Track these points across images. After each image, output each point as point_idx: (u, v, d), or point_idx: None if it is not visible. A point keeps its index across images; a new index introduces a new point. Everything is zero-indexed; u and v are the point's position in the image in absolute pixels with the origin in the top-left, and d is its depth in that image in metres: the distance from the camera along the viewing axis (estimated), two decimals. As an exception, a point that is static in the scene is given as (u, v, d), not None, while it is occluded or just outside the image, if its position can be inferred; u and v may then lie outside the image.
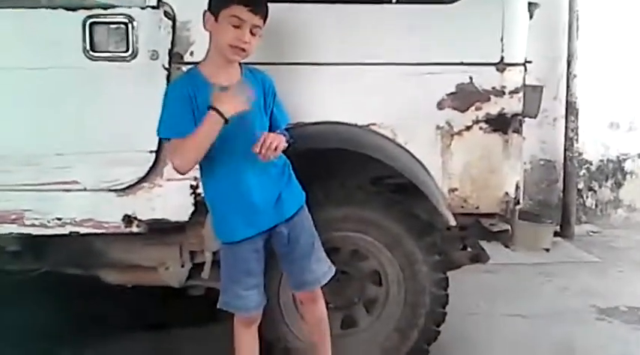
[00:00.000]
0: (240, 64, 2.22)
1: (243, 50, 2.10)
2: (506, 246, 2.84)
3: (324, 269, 2.38)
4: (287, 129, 2.31)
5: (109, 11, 2.43)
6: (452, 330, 2.83)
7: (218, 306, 2.29)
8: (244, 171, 2.18)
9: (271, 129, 2.24)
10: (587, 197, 5.61)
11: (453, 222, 2.57)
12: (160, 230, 2.59)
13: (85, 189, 2.51)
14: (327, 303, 2.64)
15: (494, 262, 3.15)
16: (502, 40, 2.54)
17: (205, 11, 2.14)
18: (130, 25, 2.43)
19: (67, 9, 2.42)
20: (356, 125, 2.57)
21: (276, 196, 2.24)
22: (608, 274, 4.29)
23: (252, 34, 2.10)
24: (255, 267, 2.27)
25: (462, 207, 2.66)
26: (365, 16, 2.54)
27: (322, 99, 2.54)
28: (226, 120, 2.03)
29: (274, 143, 2.09)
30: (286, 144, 2.18)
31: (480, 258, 2.91)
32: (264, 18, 2.14)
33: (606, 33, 5.16)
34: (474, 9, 2.53)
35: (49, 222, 2.53)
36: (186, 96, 2.11)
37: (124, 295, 3.05)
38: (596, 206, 5.66)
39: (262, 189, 2.21)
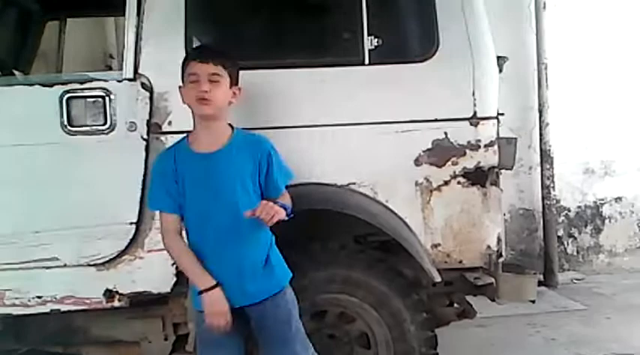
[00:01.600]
0: (232, 127, 2.22)
1: (206, 99, 2.10)
2: (492, 300, 2.82)
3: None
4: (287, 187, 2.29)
5: (86, 85, 2.46)
6: (444, 389, 2.78)
7: None
8: (225, 242, 2.14)
9: (270, 192, 2.21)
10: (567, 244, 5.64)
11: (438, 278, 2.55)
12: (141, 303, 2.55)
13: (65, 266, 2.47)
14: (316, 368, 2.61)
15: (482, 316, 3.14)
16: (474, 94, 2.59)
17: (180, 87, 2.19)
18: (107, 98, 2.45)
19: (44, 85, 2.44)
20: (336, 185, 2.58)
21: (247, 277, 2.17)
22: (595, 321, 4.27)
23: (211, 83, 2.11)
24: (226, 341, 2.19)
25: (446, 262, 2.65)
26: (339, 78, 2.59)
27: (301, 162, 2.55)
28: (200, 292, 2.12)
29: (271, 213, 2.07)
30: (285, 218, 2.15)
31: (467, 313, 2.90)
32: (223, 65, 2.14)
33: (575, 81, 5.30)
34: (445, 66, 2.59)
35: (29, 300, 2.48)
36: (168, 171, 2.14)
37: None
38: (578, 252, 5.67)
39: (244, 265, 2.16)
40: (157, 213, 2.41)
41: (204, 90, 2.10)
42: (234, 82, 2.18)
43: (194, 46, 2.50)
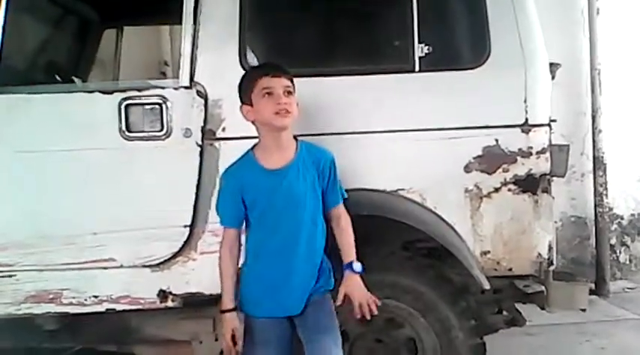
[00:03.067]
0: (297, 140, 2.27)
1: (287, 111, 2.16)
2: (542, 308, 2.79)
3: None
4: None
5: (143, 93, 2.54)
6: (493, 397, 2.76)
7: None
8: (287, 252, 2.20)
9: (329, 203, 2.30)
10: (620, 252, 5.51)
11: (486, 286, 2.53)
12: (194, 303, 2.61)
13: (121, 266, 2.55)
14: (363, 374, 2.63)
15: (531, 324, 3.10)
16: (526, 101, 2.57)
17: (241, 106, 2.23)
18: (164, 105, 2.52)
19: (103, 92, 2.53)
20: (385, 191, 2.60)
21: (311, 285, 2.24)
22: (647, 331, 4.18)
23: (287, 95, 2.17)
24: (275, 345, 2.23)
25: (495, 269, 2.64)
26: (390, 85, 2.60)
27: (351, 168, 2.57)
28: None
29: (371, 307, 2.24)
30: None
31: (516, 321, 2.87)
32: (291, 79, 2.20)
33: (629, 87, 5.18)
34: (497, 73, 2.58)
35: (86, 300, 2.56)
36: (235, 187, 2.22)
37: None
38: (630, 261, 5.54)
39: (301, 275, 2.22)
40: (210, 217, 2.49)
41: (284, 101, 2.15)
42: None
43: (248, 55, 2.55)
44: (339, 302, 2.24)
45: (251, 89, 2.19)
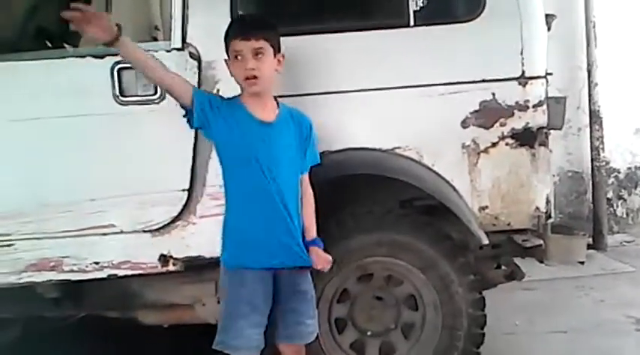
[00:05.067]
0: (276, 100, 2.27)
1: (255, 77, 2.14)
2: (541, 261, 2.82)
3: (314, 327, 2.34)
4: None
5: (135, 56, 2.50)
6: (492, 351, 2.80)
7: (213, 346, 2.22)
8: (266, 206, 2.19)
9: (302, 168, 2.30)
10: (617, 206, 5.53)
11: (485, 241, 2.55)
12: (195, 267, 2.61)
13: (121, 232, 2.55)
14: (364, 330, 2.65)
15: (530, 278, 3.14)
16: (522, 53, 2.55)
17: (225, 60, 2.23)
18: (156, 68, 2.49)
19: (95, 57, 2.50)
20: (380, 149, 2.59)
21: (288, 243, 2.22)
22: (645, 283, 4.22)
23: (256, 58, 2.14)
24: (260, 303, 2.22)
25: (494, 224, 2.65)
26: (384, 41, 2.57)
27: (345, 126, 2.57)
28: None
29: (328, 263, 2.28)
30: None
31: (515, 275, 2.89)
32: (265, 38, 2.15)
33: (624, 40, 5.14)
34: (492, 25, 2.55)
35: (87, 266, 2.56)
36: (221, 105, 2.20)
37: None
38: (627, 214, 5.57)
39: (278, 229, 2.20)
40: (208, 180, 2.48)
41: (251, 67, 2.12)
42: (277, 50, 2.20)
43: (239, 13, 2.51)
44: (318, 266, 2.26)
45: (227, 46, 2.18)
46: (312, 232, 2.30)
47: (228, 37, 2.18)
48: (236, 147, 2.19)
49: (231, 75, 2.22)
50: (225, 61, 2.23)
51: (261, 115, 2.21)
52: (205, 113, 2.18)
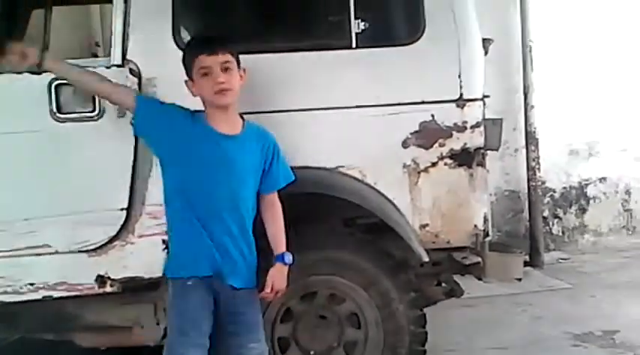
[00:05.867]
0: (242, 117, 2.26)
1: (226, 90, 2.13)
2: (479, 279, 2.87)
3: (261, 349, 2.31)
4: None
5: (74, 72, 2.45)
6: (434, 368, 2.83)
7: None
8: (215, 222, 2.18)
9: (267, 187, 2.29)
10: (553, 224, 5.70)
11: (426, 258, 2.58)
12: (133, 288, 2.56)
13: (56, 252, 2.48)
14: (307, 350, 2.64)
15: (469, 295, 3.19)
16: (460, 76, 2.61)
17: (186, 81, 2.20)
18: (95, 85, 2.44)
19: (32, 73, 2.44)
20: (325, 168, 2.60)
21: (234, 259, 2.20)
22: (581, 300, 4.33)
23: (225, 72, 2.14)
24: (202, 319, 2.19)
25: (434, 242, 2.69)
26: (326, 62, 2.60)
27: (290, 145, 2.56)
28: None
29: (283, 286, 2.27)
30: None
31: (454, 292, 2.94)
32: (230, 52, 2.17)
33: (560, 63, 5.34)
34: (431, 48, 2.61)
35: (21, 288, 2.48)
36: (179, 113, 2.18)
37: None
38: (563, 233, 5.74)
39: (226, 242, 2.19)
40: (147, 199, 2.45)
41: (221, 81, 2.12)
42: (239, 65, 2.21)
43: (181, 31, 2.50)
44: (267, 290, 2.23)
45: (191, 67, 2.16)
46: (280, 247, 2.29)
47: (191, 55, 2.16)
48: (187, 156, 2.17)
49: (194, 94, 2.20)
50: (186, 81, 2.20)
51: (224, 129, 2.19)
52: (149, 120, 2.17)
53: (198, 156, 2.17)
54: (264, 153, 2.27)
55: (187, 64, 2.18)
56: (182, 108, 2.24)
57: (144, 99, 2.21)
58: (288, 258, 2.28)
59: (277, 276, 2.25)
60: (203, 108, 2.23)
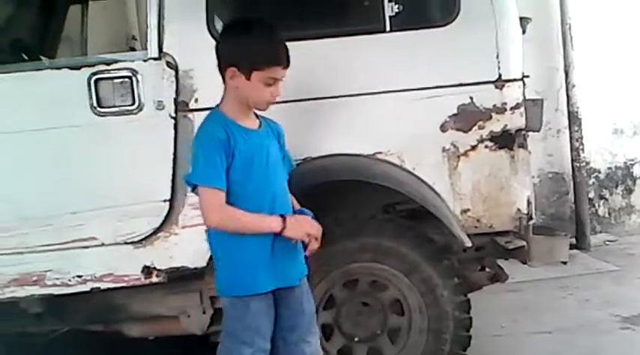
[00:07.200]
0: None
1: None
2: (524, 263, 2.83)
3: (318, 345, 2.28)
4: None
5: (112, 66, 2.49)
6: (478, 354, 2.80)
7: None
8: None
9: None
10: (599, 206, 5.58)
11: (468, 243, 2.56)
12: (179, 278, 2.60)
13: (102, 245, 2.53)
14: (350, 337, 2.64)
15: (514, 280, 3.16)
16: (498, 57, 2.57)
17: (230, 66, 2.05)
18: (134, 78, 2.48)
19: (71, 68, 2.48)
20: (362, 155, 2.59)
21: (293, 257, 2.16)
22: (628, 282, 4.25)
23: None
24: (266, 328, 2.13)
25: (476, 227, 2.66)
26: (361, 47, 2.58)
27: (327, 133, 2.57)
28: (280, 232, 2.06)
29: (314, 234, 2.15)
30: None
31: (498, 277, 2.91)
32: None
33: (601, 40, 5.19)
34: (468, 29, 2.57)
35: (70, 280, 2.54)
36: (223, 141, 2.03)
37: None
38: (609, 214, 5.61)
39: (283, 245, 2.11)
40: (189, 189, 2.45)
41: (277, 95, 2.10)
42: None
43: (216, 22, 2.51)
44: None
45: (259, 67, 2.04)
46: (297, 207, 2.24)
47: (270, 62, 2.05)
48: (247, 160, 2.08)
49: (231, 86, 2.08)
50: (230, 68, 2.05)
51: (250, 124, 2.14)
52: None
53: (246, 159, 2.08)
54: (280, 142, 2.25)
55: (254, 60, 2.05)
56: (219, 129, 2.06)
57: (218, 178, 2.04)
58: (308, 211, 2.22)
59: (305, 222, 2.16)
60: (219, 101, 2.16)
